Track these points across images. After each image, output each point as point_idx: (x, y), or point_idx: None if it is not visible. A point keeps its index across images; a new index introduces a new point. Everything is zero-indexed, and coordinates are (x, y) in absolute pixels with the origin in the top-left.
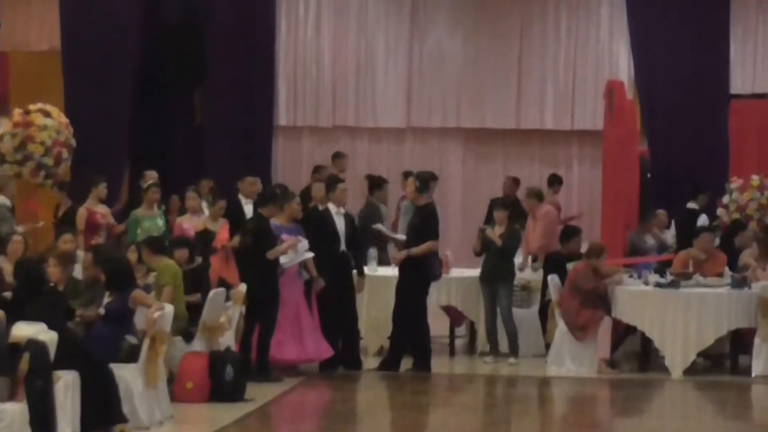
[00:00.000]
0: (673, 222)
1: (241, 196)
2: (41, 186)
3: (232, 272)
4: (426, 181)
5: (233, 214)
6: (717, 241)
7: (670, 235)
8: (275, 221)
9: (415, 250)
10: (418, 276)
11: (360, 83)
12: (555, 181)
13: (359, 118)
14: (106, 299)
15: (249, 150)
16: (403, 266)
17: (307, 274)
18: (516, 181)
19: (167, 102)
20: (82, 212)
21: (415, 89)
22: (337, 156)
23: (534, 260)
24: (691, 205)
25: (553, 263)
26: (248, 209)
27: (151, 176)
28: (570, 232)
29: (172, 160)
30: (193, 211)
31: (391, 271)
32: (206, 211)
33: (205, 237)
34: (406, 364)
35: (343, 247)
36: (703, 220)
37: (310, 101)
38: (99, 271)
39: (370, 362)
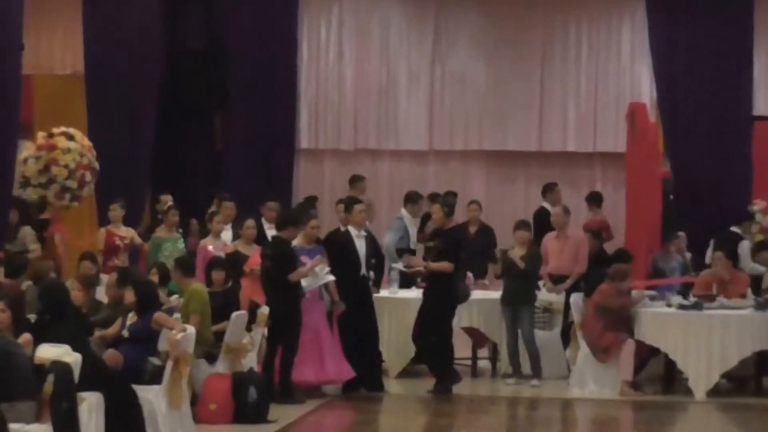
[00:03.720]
0: (711, 243)
1: (264, 221)
2: (66, 209)
3: (263, 295)
4: (452, 205)
5: (257, 238)
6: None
7: (687, 258)
8: (295, 243)
9: (432, 266)
10: (443, 298)
11: (382, 106)
12: (596, 198)
13: (381, 141)
14: (129, 321)
15: (270, 173)
16: (428, 288)
17: (328, 297)
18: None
19: (189, 127)
20: (101, 234)
21: (437, 112)
22: (356, 180)
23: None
24: (735, 229)
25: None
26: (271, 234)
27: (167, 199)
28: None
29: (193, 184)
30: (217, 234)
31: (414, 293)
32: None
33: (235, 260)
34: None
35: (363, 270)
36: (745, 247)
37: (332, 124)
38: (123, 292)
39: (392, 384)
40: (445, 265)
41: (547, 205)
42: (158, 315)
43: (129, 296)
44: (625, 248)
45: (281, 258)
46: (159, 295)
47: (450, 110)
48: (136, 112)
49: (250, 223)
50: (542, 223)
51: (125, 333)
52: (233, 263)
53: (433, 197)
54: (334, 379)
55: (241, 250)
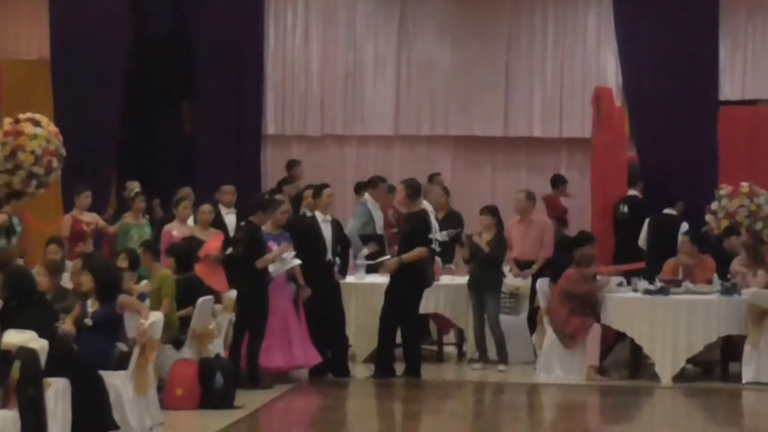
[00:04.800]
0: (645, 226)
1: (220, 206)
2: (32, 195)
3: (220, 280)
4: (415, 187)
5: (213, 223)
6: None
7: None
8: (263, 228)
9: (406, 257)
10: (411, 283)
11: (348, 92)
12: (560, 181)
13: (347, 127)
14: (90, 308)
15: (237, 159)
16: (397, 273)
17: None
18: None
19: (156, 113)
20: (67, 220)
21: (403, 97)
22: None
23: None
24: (669, 210)
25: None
26: (228, 219)
27: (134, 186)
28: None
29: (160, 170)
30: (183, 220)
31: (380, 279)
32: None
33: (191, 245)
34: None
35: (329, 255)
36: (684, 227)
37: (299, 110)
38: (87, 278)
39: (359, 369)
40: (418, 252)
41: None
42: (122, 297)
43: (87, 282)
44: (586, 231)
45: (252, 243)
46: (121, 281)
47: (416, 95)
48: (103, 98)
49: (205, 207)
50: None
51: (88, 321)
52: (189, 248)
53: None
54: (302, 364)
55: (197, 235)
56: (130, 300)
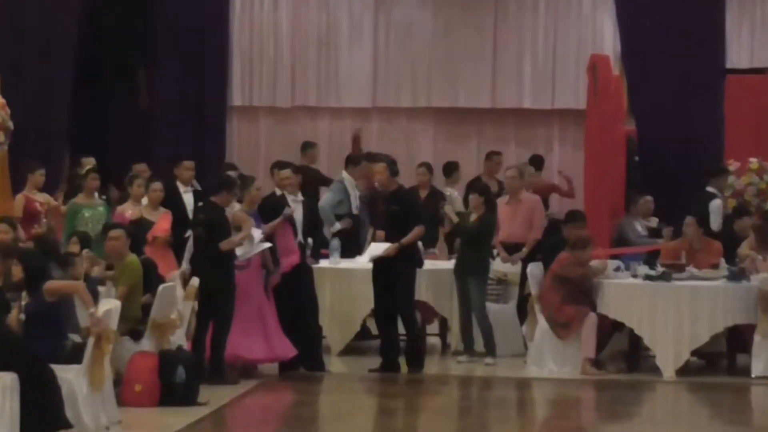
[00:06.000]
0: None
1: (179, 183)
2: None
3: (169, 265)
4: (396, 164)
5: (170, 202)
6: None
7: (654, 223)
8: (240, 207)
9: (407, 240)
10: (409, 265)
11: (321, 60)
12: (537, 161)
13: (321, 98)
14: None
15: (200, 133)
16: (394, 258)
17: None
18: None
19: (112, 83)
20: (20, 199)
21: (381, 65)
22: (307, 146)
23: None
24: (711, 189)
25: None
26: (187, 198)
27: (89, 162)
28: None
29: (116, 145)
30: (137, 199)
31: (355, 263)
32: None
33: (139, 226)
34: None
35: (300, 237)
36: (716, 205)
37: (267, 80)
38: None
39: (334, 363)
40: (417, 232)
41: None
42: (48, 284)
43: (17, 271)
44: (577, 210)
45: (214, 225)
46: (48, 267)
47: (396, 63)
48: (53, 67)
49: (156, 185)
50: None
51: (22, 316)
52: (137, 230)
53: (372, 157)
54: (281, 357)
55: (146, 215)
56: (59, 285)
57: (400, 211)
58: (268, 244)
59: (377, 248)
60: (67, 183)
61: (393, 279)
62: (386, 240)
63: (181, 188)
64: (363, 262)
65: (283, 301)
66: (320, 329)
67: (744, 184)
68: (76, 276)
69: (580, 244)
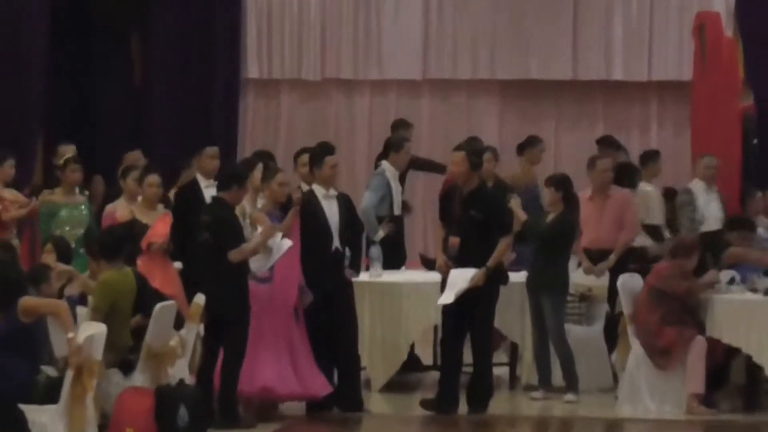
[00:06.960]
0: None
1: (199, 177)
2: None
3: (169, 280)
4: (480, 154)
5: (189, 201)
6: None
7: None
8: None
9: (493, 262)
10: (494, 282)
11: (360, 22)
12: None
13: (358, 69)
14: None
15: (207, 112)
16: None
17: None
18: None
19: (97, 50)
20: None
21: (434, 30)
22: (398, 126)
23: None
24: None
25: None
26: (209, 194)
27: (66, 151)
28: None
29: (103, 129)
30: (133, 196)
31: (402, 276)
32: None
33: (132, 231)
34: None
35: (336, 243)
36: None
37: (291, 47)
38: None
39: (375, 400)
40: (503, 248)
41: None
42: (24, 300)
43: None
44: (745, 217)
45: (222, 228)
46: (23, 283)
47: (452, 27)
48: (26, 34)
49: (152, 179)
50: None
51: None
52: (132, 236)
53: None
54: (312, 394)
55: (139, 217)
56: (37, 302)
57: (481, 217)
58: (289, 243)
59: (459, 278)
60: (42, 176)
61: (481, 303)
62: (460, 250)
63: (203, 182)
64: (446, 301)
65: (314, 324)
66: (358, 359)
67: None
68: (49, 294)
69: (684, 252)
